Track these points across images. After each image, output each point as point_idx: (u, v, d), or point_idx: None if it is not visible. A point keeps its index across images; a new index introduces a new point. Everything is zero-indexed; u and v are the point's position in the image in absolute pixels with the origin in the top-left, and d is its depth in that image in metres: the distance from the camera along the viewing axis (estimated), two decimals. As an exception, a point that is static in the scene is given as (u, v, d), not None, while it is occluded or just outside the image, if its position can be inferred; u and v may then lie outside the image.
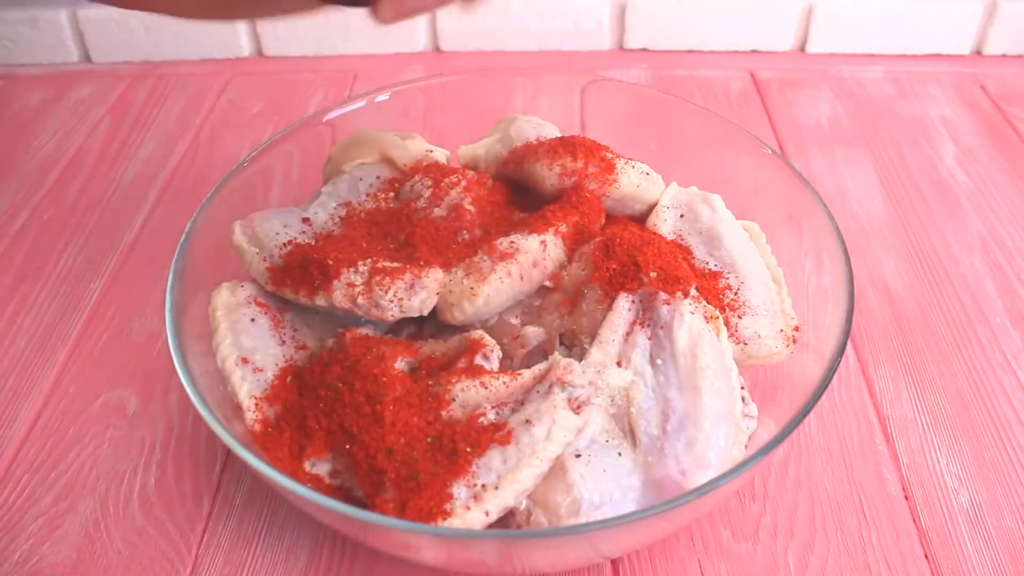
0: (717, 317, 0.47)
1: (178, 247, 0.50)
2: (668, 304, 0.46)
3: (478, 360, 0.45)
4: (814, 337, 0.48)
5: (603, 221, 0.54)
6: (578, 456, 0.42)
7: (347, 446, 0.41)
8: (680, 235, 0.55)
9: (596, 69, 0.91)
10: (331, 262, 0.47)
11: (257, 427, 0.43)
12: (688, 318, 0.46)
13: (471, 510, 0.38)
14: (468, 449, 0.40)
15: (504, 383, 0.44)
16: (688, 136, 0.63)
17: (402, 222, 0.52)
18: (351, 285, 0.46)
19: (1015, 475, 0.50)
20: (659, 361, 0.45)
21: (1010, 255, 0.67)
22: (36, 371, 0.58)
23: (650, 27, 0.93)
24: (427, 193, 0.53)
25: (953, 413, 0.54)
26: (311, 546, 0.47)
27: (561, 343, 0.49)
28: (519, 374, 0.44)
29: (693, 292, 0.48)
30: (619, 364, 0.45)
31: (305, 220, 0.52)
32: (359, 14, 0.47)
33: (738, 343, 0.48)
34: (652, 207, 0.57)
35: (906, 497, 0.49)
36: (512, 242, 0.49)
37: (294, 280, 0.47)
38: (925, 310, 0.62)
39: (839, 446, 0.52)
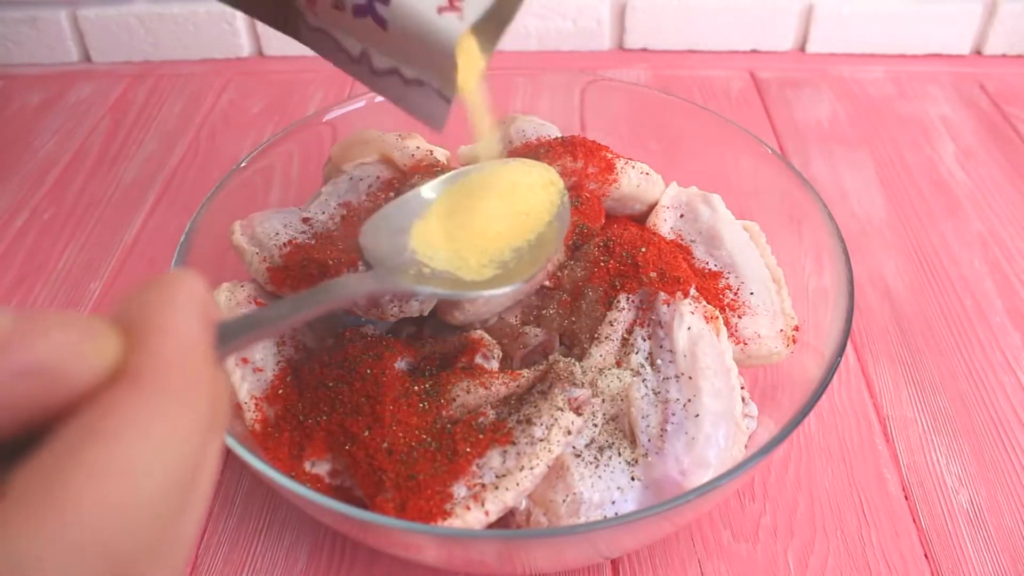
0: (717, 317, 0.47)
1: (178, 247, 0.50)
2: (668, 304, 0.46)
3: (478, 360, 0.45)
4: (814, 337, 0.48)
5: (603, 221, 0.54)
6: (578, 456, 0.42)
7: (347, 446, 0.41)
8: (680, 235, 0.55)
9: (596, 69, 0.91)
10: (331, 262, 0.47)
11: (257, 427, 0.43)
12: (688, 318, 0.46)
13: (471, 510, 0.38)
14: (468, 449, 0.40)
15: (504, 383, 0.44)
16: (688, 136, 0.63)
17: (402, 222, 0.52)
18: (351, 285, 0.46)
19: (1015, 475, 0.50)
20: (659, 361, 0.45)
21: (1010, 255, 0.67)
22: (36, 371, 0.58)
23: (650, 27, 0.93)
24: (427, 193, 0.53)
25: (953, 413, 0.54)
26: (311, 546, 0.47)
27: (561, 343, 0.49)
28: (519, 374, 0.44)
29: (693, 292, 0.48)
30: (619, 364, 0.45)
31: (305, 220, 0.52)
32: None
33: (738, 343, 0.48)
34: (652, 207, 0.57)
35: (906, 497, 0.49)
36: (512, 242, 0.49)
37: (294, 280, 0.48)
38: (925, 310, 0.62)
39: (839, 446, 0.52)
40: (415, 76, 0.37)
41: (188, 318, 0.19)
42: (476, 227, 0.39)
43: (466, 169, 0.41)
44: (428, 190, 0.40)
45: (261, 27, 0.94)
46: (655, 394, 0.44)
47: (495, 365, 0.46)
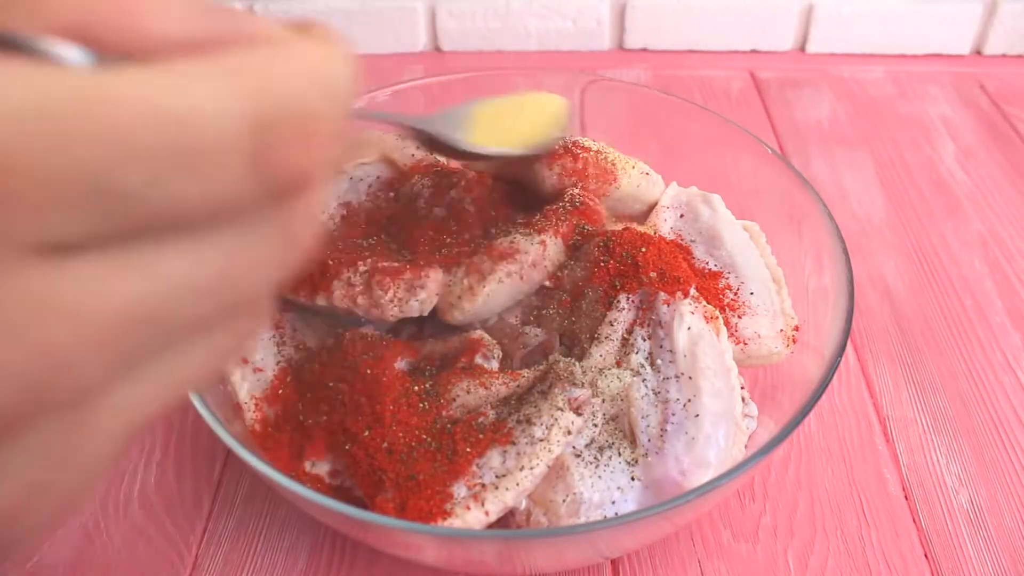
0: (717, 317, 0.47)
1: (178, 247, 0.50)
2: (668, 304, 0.46)
3: (478, 360, 0.45)
4: (814, 337, 0.48)
5: (603, 221, 0.54)
6: (578, 456, 0.42)
7: (347, 446, 0.41)
8: (680, 235, 0.55)
9: (596, 69, 0.91)
10: (331, 262, 0.47)
11: (257, 427, 0.43)
12: (688, 318, 0.46)
13: (471, 510, 0.38)
14: (468, 449, 0.40)
15: (504, 383, 0.44)
16: (688, 136, 0.63)
17: (402, 222, 0.52)
18: (351, 285, 0.46)
19: (1015, 475, 0.50)
20: (659, 361, 0.45)
21: (1010, 255, 0.67)
22: (36, 371, 0.58)
23: (650, 27, 0.93)
24: (427, 193, 0.53)
25: (953, 413, 0.54)
26: (311, 546, 0.47)
27: (561, 343, 0.49)
28: (519, 374, 0.44)
29: (693, 292, 0.48)
30: (619, 364, 0.45)
31: (305, 220, 0.52)
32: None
33: (738, 343, 0.48)
34: (652, 207, 0.57)
35: (906, 497, 0.49)
36: (512, 242, 0.49)
37: (294, 280, 0.48)
38: (925, 310, 0.62)
39: (839, 446, 0.52)
40: None
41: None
42: (505, 131, 0.49)
43: (481, 100, 0.50)
44: (456, 113, 0.48)
45: (261, 27, 0.94)
46: (655, 394, 0.44)
47: (495, 365, 0.46)
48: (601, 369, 0.45)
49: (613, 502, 0.40)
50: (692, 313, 0.46)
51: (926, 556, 0.46)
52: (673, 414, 0.43)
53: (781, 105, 0.85)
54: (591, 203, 0.53)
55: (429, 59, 0.94)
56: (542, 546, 0.40)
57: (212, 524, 0.48)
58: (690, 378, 0.44)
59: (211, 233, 0.17)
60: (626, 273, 0.48)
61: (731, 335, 0.48)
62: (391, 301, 0.46)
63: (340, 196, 0.55)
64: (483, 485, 0.39)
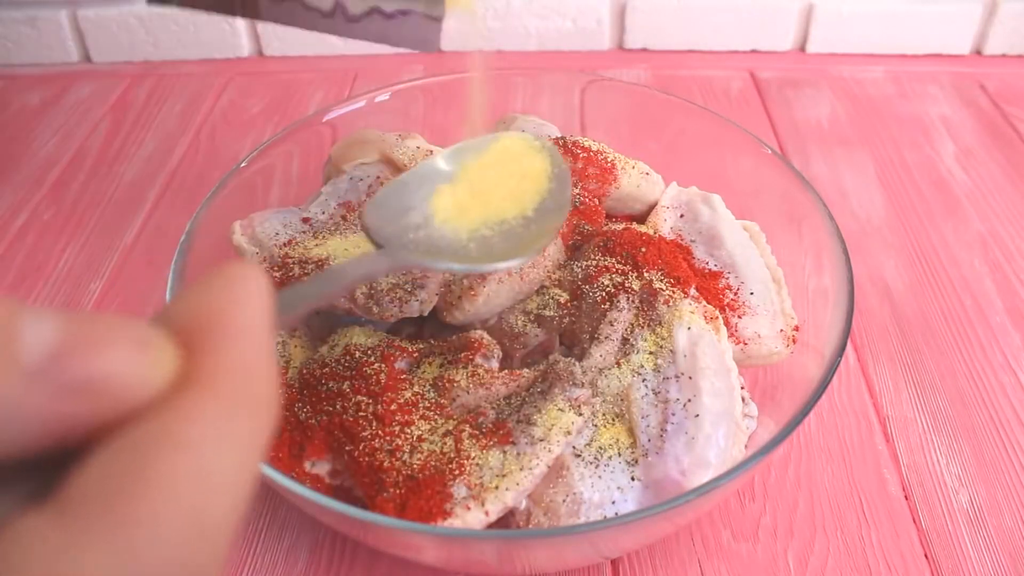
0: (717, 317, 0.47)
1: (178, 247, 0.50)
2: (668, 304, 0.46)
3: (478, 360, 0.45)
4: (814, 337, 0.48)
5: (603, 221, 0.54)
6: (578, 456, 0.42)
7: (347, 446, 0.41)
8: (680, 235, 0.55)
9: (596, 69, 0.91)
10: (331, 262, 0.47)
11: (257, 427, 0.43)
12: (688, 318, 0.46)
13: (471, 510, 0.38)
14: (468, 449, 0.40)
15: (504, 383, 0.44)
16: (688, 136, 0.63)
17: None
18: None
19: (1015, 475, 0.50)
20: (659, 361, 0.45)
21: (1010, 255, 0.67)
22: (36, 371, 0.58)
23: (650, 27, 0.93)
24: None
25: (953, 413, 0.54)
26: (311, 546, 0.47)
27: (561, 343, 0.49)
28: (519, 374, 0.44)
29: (693, 292, 0.48)
30: (618, 364, 0.45)
31: (305, 220, 0.52)
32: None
33: (738, 343, 0.48)
34: (652, 207, 0.57)
35: (906, 497, 0.49)
36: (512, 242, 0.49)
37: (294, 280, 0.48)
38: (925, 310, 0.62)
39: (839, 446, 0.52)
40: (397, 7, 0.38)
41: (255, 320, 0.17)
42: (482, 199, 0.39)
43: (461, 145, 0.42)
44: (427, 167, 0.40)
45: (261, 27, 0.94)
46: (655, 394, 0.44)
47: (495, 365, 0.46)
48: (601, 369, 0.45)
49: (613, 502, 0.40)
50: (692, 313, 0.46)
51: (926, 556, 0.46)
52: (673, 414, 0.43)
53: (781, 105, 0.85)
54: (591, 203, 0.53)
55: (429, 59, 0.94)
56: (542, 546, 0.40)
57: (212, 524, 0.48)
58: (690, 378, 0.44)
59: None
60: (626, 273, 0.48)
61: (731, 335, 0.48)
62: (391, 301, 0.46)
63: (340, 196, 0.55)
64: (483, 485, 0.39)
